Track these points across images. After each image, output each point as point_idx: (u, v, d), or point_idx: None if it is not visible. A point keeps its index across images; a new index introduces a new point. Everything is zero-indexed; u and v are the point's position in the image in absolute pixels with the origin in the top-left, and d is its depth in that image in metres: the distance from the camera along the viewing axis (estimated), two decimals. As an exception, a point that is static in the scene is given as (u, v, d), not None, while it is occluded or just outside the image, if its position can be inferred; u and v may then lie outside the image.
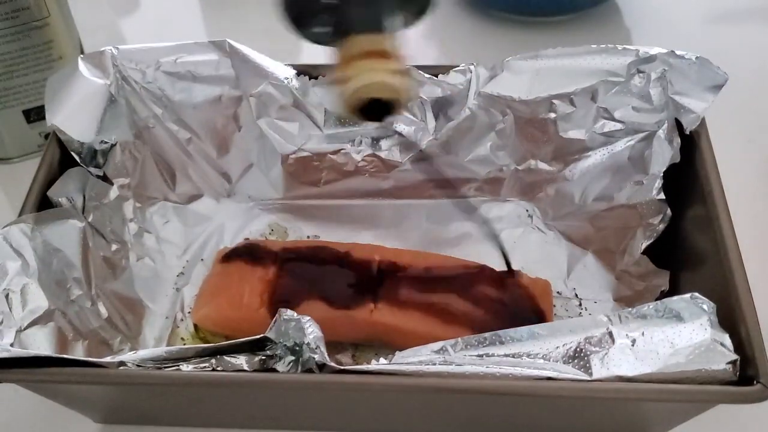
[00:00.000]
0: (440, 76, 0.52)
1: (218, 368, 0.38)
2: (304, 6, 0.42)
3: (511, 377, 0.37)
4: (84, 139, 0.49)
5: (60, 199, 0.47)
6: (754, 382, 0.36)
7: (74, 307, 0.45)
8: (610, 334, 0.37)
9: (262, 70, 0.52)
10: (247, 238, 0.55)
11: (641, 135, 0.50)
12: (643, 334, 0.37)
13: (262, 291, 0.47)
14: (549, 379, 0.37)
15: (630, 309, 0.38)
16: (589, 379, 0.37)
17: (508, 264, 0.49)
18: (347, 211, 0.57)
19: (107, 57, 0.51)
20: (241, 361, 0.38)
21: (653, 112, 0.49)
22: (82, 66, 0.51)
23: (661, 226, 0.48)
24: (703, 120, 0.48)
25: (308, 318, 0.38)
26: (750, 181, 0.58)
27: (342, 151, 0.55)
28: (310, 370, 0.37)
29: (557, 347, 0.37)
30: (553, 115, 0.52)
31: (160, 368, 0.38)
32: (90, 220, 0.48)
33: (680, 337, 0.37)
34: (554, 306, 0.50)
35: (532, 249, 0.54)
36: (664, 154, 0.49)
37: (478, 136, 0.54)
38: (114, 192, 0.51)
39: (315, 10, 0.42)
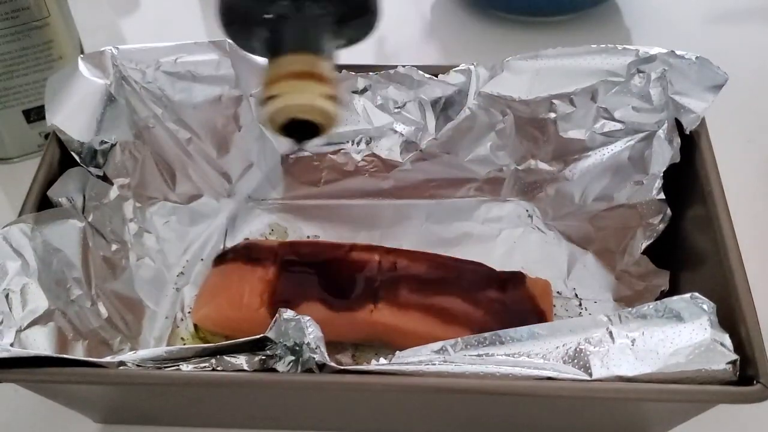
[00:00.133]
0: (440, 76, 0.52)
1: (218, 368, 0.38)
2: (244, 17, 0.42)
3: (511, 377, 0.37)
4: (84, 139, 0.49)
5: (60, 199, 0.47)
6: (754, 382, 0.36)
7: (74, 307, 0.45)
8: (610, 334, 0.37)
9: (261, 69, 0.52)
10: (247, 238, 0.55)
11: (641, 135, 0.50)
12: (643, 334, 0.37)
13: (262, 291, 0.47)
14: (549, 379, 0.37)
15: (630, 309, 0.38)
16: (589, 379, 0.37)
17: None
18: (347, 211, 0.57)
19: (107, 57, 0.51)
20: (241, 361, 0.38)
21: (653, 112, 0.49)
22: (82, 66, 0.51)
23: (661, 226, 0.49)
24: (703, 120, 0.48)
25: (308, 318, 0.38)
26: (750, 181, 0.58)
27: (342, 151, 0.55)
28: (310, 370, 0.37)
29: (557, 347, 0.37)
30: (553, 115, 0.52)
31: (160, 368, 0.38)
32: (90, 220, 0.48)
33: (680, 337, 0.37)
34: (554, 306, 0.50)
35: (532, 249, 0.54)
36: (664, 154, 0.49)
37: (478, 136, 0.54)
38: (114, 192, 0.51)
39: (254, 22, 0.41)
